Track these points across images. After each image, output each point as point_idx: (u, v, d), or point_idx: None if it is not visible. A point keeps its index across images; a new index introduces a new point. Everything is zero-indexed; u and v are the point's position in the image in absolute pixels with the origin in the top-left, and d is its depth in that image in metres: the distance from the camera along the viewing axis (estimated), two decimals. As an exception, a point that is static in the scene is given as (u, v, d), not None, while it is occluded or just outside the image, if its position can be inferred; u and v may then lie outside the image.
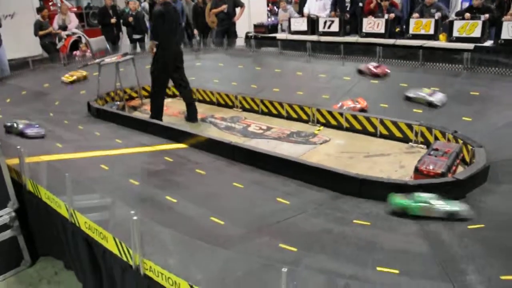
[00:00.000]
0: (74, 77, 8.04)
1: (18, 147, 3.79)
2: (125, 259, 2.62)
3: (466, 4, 8.93)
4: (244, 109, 6.93)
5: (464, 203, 3.32)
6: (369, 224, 3.23)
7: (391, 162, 4.83)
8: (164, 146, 5.25)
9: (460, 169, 4.29)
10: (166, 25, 6.23)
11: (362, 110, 5.97)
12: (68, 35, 10.61)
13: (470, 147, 4.44)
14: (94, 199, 3.42)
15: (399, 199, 3.39)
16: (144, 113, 7.29)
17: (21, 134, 5.30)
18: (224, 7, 9.62)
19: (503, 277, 2.43)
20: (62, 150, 4.98)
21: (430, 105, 5.72)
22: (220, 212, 3.35)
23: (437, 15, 7.91)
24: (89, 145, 5.22)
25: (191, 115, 6.76)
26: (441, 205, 3.26)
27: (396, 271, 2.55)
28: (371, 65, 6.84)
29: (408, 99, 5.94)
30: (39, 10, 10.70)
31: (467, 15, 7.56)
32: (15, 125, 5.42)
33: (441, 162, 4.01)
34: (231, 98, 7.15)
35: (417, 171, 4.00)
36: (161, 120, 6.43)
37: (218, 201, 3.67)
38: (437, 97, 5.75)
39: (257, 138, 5.78)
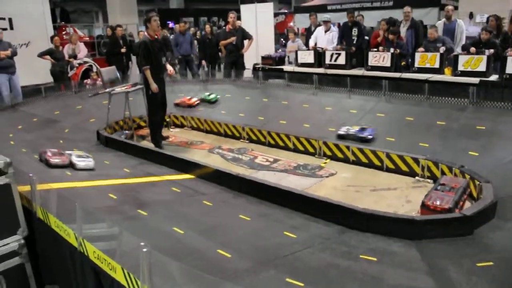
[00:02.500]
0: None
1: (30, 174, 3.85)
2: (133, 291, 2.62)
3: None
4: (251, 141, 6.99)
5: None
6: (375, 259, 3.23)
7: (397, 196, 4.84)
8: (172, 177, 5.30)
9: (467, 204, 4.28)
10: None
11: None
12: (80, 64, 10.85)
13: (477, 182, 4.45)
14: (103, 229, 3.45)
15: None
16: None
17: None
18: (233, 39, 9.83)
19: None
20: (71, 178, 5.04)
21: (363, 140, 5.98)
22: (227, 244, 3.36)
23: (442, 49, 8.03)
24: (98, 174, 5.28)
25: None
26: None
27: (403, 309, 2.55)
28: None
29: (341, 137, 6.22)
30: (51, 38, 11.02)
31: (473, 49, 7.68)
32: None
33: (448, 197, 4.02)
34: (238, 130, 7.23)
35: (424, 206, 4.00)
36: (160, 136, 7.12)
37: (225, 233, 3.69)
38: (367, 133, 6.04)
39: (263, 170, 5.82)
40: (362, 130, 6.22)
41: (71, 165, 5.34)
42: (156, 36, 6.85)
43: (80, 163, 5.36)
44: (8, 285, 3.83)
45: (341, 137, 6.27)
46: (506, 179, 4.51)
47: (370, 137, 6.11)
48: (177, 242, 3.44)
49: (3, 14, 10.90)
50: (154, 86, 6.70)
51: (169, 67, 7.18)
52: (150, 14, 6.79)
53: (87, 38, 15.89)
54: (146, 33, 6.87)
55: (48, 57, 10.26)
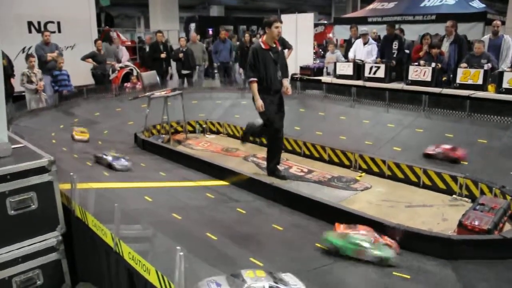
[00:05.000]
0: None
1: (71, 173, 3.98)
2: (166, 293, 2.67)
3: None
4: (286, 150, 6.97)
5: (393, 250, 3.36)
6: (409, 277, 3.17)
7: (433, 214, 4.73)
8: (206, 182, 5.35)
9: (507, 226, 4.15)
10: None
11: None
12: (121, 67, 11.17)
13: (518, 204, 4.30)
14: (138, 230, 3.52)
15: (333, 238, 3.47)
16: (188, 147, 7.48)
17: (109, 166, 5.52)
18: None
19: None
20: (108, 178, 5.17)
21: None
22: (259, 253, 3.36)
23: (488, 65, 7.83)
24: (135, 176, 5.40)
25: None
26: (372, 249, 3.33)
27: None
28: (444, 147, 5.91)
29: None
30: (110, 41, 11.42)
31: None
32: (104, 156, 5.68)
33: (487, 218, 3.89)
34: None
35: (461, 225, 3.89)
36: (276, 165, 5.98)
37: (257, 242, 3.69)
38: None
39: (298, 180, 5.81)
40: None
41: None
42: (274, 45, 5.70)
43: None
44: (45, 279, 3.96)
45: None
46: (550, 202, 4.34)
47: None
48: (210, 247, 3.47)
49: (53, 17, 11.36)
50: (259, 103, 5.53)
51: (286, 84, 5.77)
52: (272, 18, 5.65)
53: (129, 43, 16.31)
54: (260, 40, 5.79)
55: (90, 60, 10.62)
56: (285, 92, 5.76)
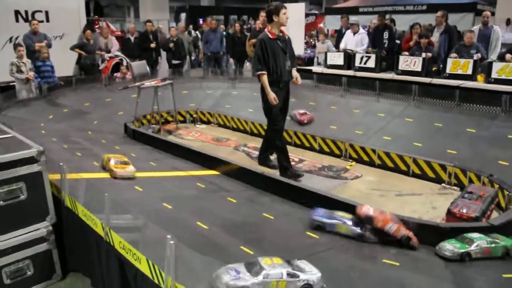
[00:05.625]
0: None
1: (61, 164, 3.95)
2: (156, 281, 2.67)
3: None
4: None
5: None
6: (398, 264, 3.20)
7: (422, 202, 4.79)
8: (197, 172, 5.35)
9: (494, 214, 4.20)
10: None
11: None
12: (110, 57, 11.06)
13: (506, 192, 4.36)
14: (129, 220, 3.52)
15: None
16: (178, 137, 7.47)
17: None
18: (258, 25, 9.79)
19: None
20: (98, 168, 5.14)
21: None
22: (250, 241, 3.38)
23: (477, 55, 7.87)
24: (125, 166, 5.36)
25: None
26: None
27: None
28: (298, 112, 7.21)
29: None
30: (92, 31, 11.24)
31: (508, 56, 7.50)
32: None
33: (475, 206, 3.95)
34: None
35: (449, 213, 3.95)
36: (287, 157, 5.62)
37: (248, 231, 3.71)
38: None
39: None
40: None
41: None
42: (281, 34, 5.41)
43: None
44: (35, 269, 3.95)
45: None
46: (537, 190, 4.41)
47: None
48: (201, 236, 3.48)
49: (40, 6, 11.17)
50: (271, 96, 5.22)
51: (295, 74, 5.53)
52: (278, 4, 5.27)
53: (119, 33, 16.15)
54: (266, 29, 5.40)
55: (79, 50, 10.50)
56: (295, 82, 5.53)
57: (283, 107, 5.56)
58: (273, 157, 5.90)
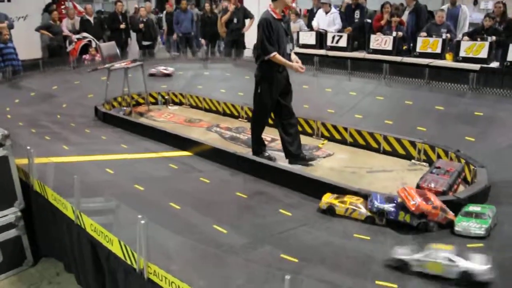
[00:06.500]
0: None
1: (28, 147, 3.86)
2: (129, 262, 2.66)
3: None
4: (249, 120, 6.96)
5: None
6: (369, 238, 3.27)
7: (393, 178, 4.88)
8: (169, 153, 5.31)
9: (461, 188, 4.32)
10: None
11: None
12: (78, 39, 10.77)
13: (472, 167, 4.48)
14: (100, 202, 3.48)
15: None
16: (150, 119, 7.37)
17: None
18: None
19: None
20: (68, 152, 5.05)
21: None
22: (223, 220, 3.39)
23: (447, 35, 7.99)
24: (95, 149, 5.28)
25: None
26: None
27: (395, 286, 2.59)
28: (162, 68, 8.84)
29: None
30: (48, 12, 10.83)
31: (465, 38, 7.67)
32: None
33: (442, 180, 4.06)
34: (237, 109, 7.22)
35: (418, 188, 4.03)
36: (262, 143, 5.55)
37: (221, 210, 3.72)
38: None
39: (261, 149, 5.82)
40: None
41: None
42: (283, 14, 5.07)
43: None
44: (4, 257, 3.88)
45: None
46: (501, 164, 4.55)
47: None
48: (173, 216, 3.48)
49: (0, -15, 10.74)
50: (296, 65, 4.96)
51: (294, 58, 5.16)
52: None
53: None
54: (269, 8, 4.98)
55: (45, 31, 10.17)
56: (298, 69, 5.04)
57: (288, 94, 5.29)
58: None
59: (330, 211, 3.63)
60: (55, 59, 9.50)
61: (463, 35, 8.08)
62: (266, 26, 4.86)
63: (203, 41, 11.55)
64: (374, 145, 5.60)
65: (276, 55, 4.86)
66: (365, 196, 3.72)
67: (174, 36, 11.66)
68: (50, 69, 8.94)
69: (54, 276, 3.96)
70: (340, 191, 3.86)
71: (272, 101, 5.16)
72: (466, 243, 3.11)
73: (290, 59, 5.07)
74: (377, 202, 3.50)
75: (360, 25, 9.70)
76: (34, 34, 10.21)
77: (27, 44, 9.76)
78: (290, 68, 4.96)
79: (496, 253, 2.88)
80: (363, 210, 3.55)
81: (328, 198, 3.73)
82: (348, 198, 3.69)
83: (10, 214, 3.86)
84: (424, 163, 5.15)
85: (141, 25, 11.15)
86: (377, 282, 2.63)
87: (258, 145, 5.46)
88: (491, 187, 3.98)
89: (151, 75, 8.69)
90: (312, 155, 5.50)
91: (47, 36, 10.35)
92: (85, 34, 10.87)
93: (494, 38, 7.48)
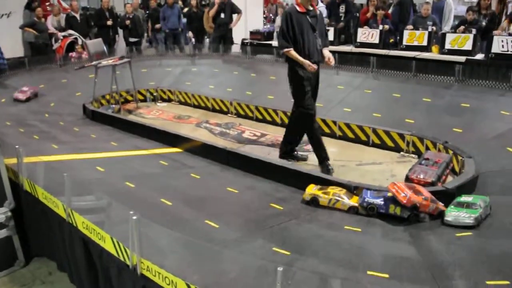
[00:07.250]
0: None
1: (17, 146, 3.83)
2: (122, 259, 2.67)
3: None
4: (238, 115, 7.00)
5: None
6: (360, 230, 3.31)
7: (382, 170, 4.93)
8: (159, 150, 5.30)
9: (449, 178, 4.38)
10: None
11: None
12: (64, 36, 10.65)
13: (460, 158, 4.54)
14: (91, 200, 3.47)
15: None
16: (139, 116, 7.35)
17: None
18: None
19: (489, 282, 2.52)
20: (57, 151, 5.02)
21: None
22: (215, 215, 3.41)
23: (432, 28, 8.06)
24: (85, 147, 5.26)
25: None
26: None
27: (386, 275, 2.63)
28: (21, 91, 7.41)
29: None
30: (31, 9, 10.65)
31: (461, 28, 7.74)
32: None
33: (431, 172, 4.11)
34: (226, 104, 7.22)
35: (408, 180, 4.09)
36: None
37: (212, 205, 3.73)
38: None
39: (251, 144, 5.85)
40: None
41: None
42: (311, 8, 4.78)
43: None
44: (-4, 257, 3.86)
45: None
46: (488, 155, 4.62)
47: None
48: (165, 213, 3.48)
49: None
50: (307, 63, 4.62)
51: (327, 54, 4.87)
52: None
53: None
54: (295, 2, 4.77)
55: (30, 29, 10.04)
56: (328, 63, 4.86)
57: (313, 92, 4.97)
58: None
59: (313, 202, 3.70)
60: (41, 57, 9.38)
61: (454, 28, 8.16)
62: (285, 20, 4.69)
63: (190, 33, 11.45)
64: (363, 138, 5.64)
65: (290, 51, 4.67)
66: (351, 188, 3.79)
67: (157, 26, 11.36)
68: (36, 67, 8.83)
69: (47, 276, 3.96)
70: (330, 184, 3.90)
71: (308, 95, 4.82)
72: (456, 233, 3.17)
73: (319, 56, 4.82)
74: (367, 197, 3.56)
75: (348, 20, 9.76)
76: (19, 31, 10.06)
77: (12, 42, 9.60)
78: (302, 64, 4.68)
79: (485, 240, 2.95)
80: (346, 200, 3.62)
81: (311, 190, 3.78)
82: (331, 189, 3.75)
83: (0, 214, 3.84)
84: (413, 155, 5.21)
85: (127, 22, 11.07)
86: (369, 272, 2.67)
87: (291, 144, 5.24)
88: (479, 177, 4.05)
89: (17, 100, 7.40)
90: (304, 155, 5.36)
91: (30, 34, 10.21)
92: (71, 31, 10.74)
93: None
